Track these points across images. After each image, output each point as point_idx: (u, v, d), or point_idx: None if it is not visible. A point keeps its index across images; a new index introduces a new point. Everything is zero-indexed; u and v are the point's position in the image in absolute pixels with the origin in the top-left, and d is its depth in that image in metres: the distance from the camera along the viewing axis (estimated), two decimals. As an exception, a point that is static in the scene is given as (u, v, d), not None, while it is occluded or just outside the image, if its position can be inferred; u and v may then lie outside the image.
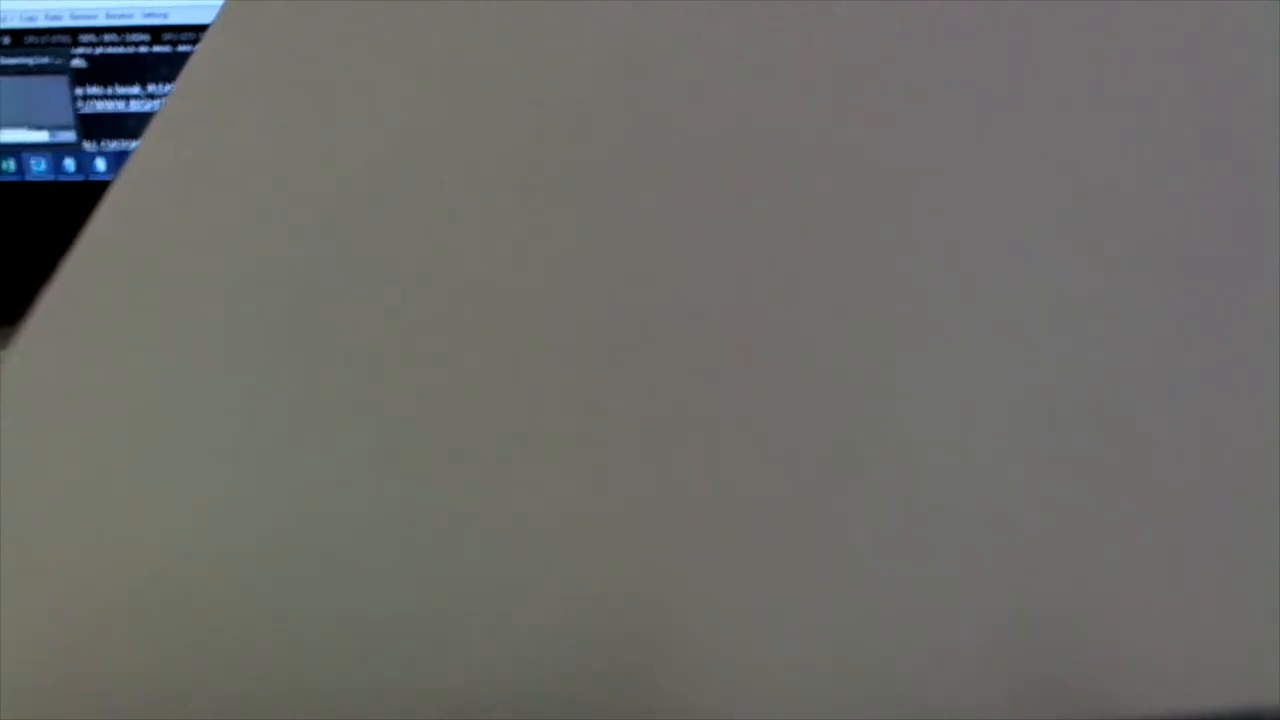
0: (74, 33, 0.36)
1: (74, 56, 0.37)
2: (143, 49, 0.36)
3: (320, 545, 0.11)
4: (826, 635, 0.11)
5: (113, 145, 0.37)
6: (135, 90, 0.37)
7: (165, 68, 0.36)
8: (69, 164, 0.37)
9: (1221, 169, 0.14)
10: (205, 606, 0.11)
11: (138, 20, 0.36)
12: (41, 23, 0.36)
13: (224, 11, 0.16)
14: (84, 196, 0.38)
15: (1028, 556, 0.12)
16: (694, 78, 0.15)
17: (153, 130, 0.15)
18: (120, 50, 0.36)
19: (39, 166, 0.38)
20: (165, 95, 0.37)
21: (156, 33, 0.36)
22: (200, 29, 0.36)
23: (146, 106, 0.37)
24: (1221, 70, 0.15)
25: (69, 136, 0.37)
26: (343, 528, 0.12)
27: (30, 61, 0.36)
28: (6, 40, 0.36)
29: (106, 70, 0.37)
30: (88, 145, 0.37)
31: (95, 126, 0.37)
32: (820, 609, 0.11)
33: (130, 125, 0.37)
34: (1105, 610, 0.11)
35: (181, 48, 0.36)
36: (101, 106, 0.37)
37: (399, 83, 0.16)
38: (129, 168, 0.15)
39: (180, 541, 0.11)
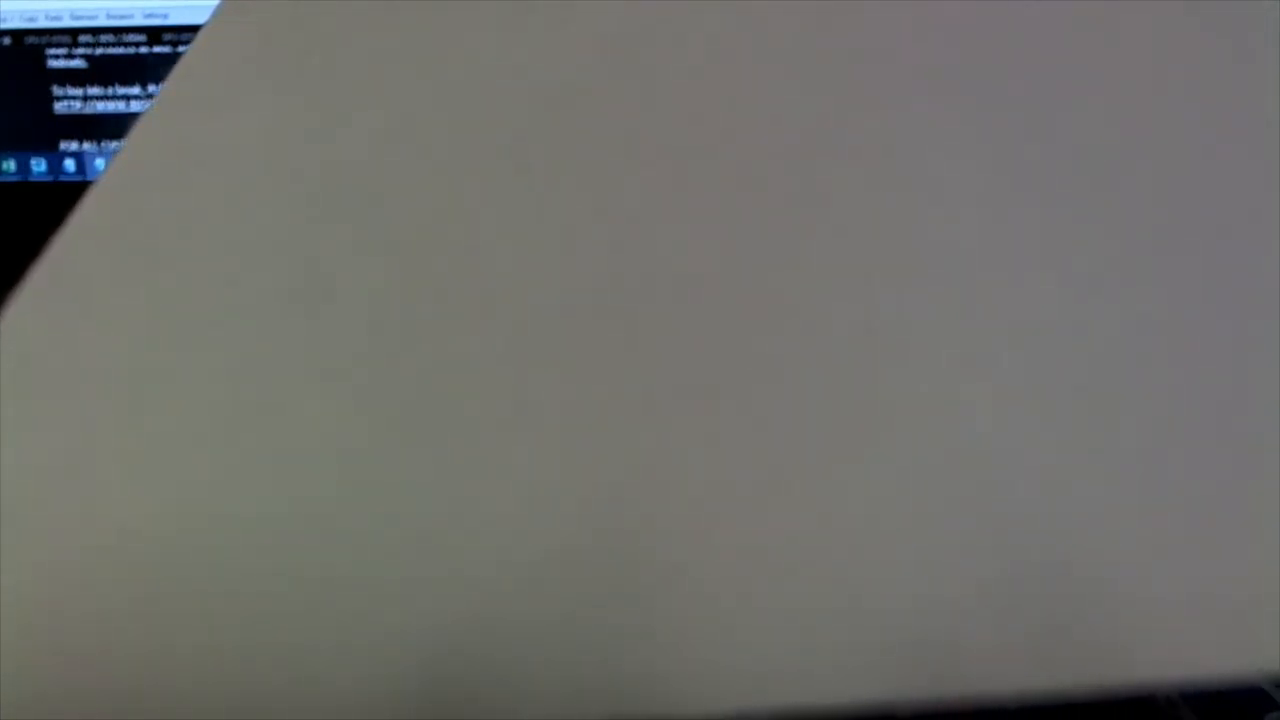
0: (74, 33, 0.36)
1: (74, 57, 0.37)
2: (143, 49, 0.36)
3: (313, 522, 0.11)
4: (830, 596, 0.11)
5: (113, 146, 0.37)
6: (135, 90, 0.37)
7: (165, 68, 0.36)
8: (69, 164, 0.37)
9: (1224, 160, 0.14)
10: (194, 584, 0.11)
11: (138, 21, 0.36)
12: (42, 23, 0.36)
13: (221, 7, 0.16)
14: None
15: (1031, 518, 0.12)
16: (692, 66, 0.15)
17: (148, 116, 0.15)
18: (120, 51, 0.36)
19: (39, 167, 0.38)
20: (165, 96, 0.37)
21: (156, 33, 0.36)
22: (200, 30, 0.36)
23: (147, 107, 0.37)
24: (1223, 67, 0.15)
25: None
26: (335, 504, 0.12)
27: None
28: (7, 40, 0.36)
29: (107, 70, 0.36)
30: (88, 146, 0.37)
31: (96, 127, 0.37)
32: (824, 569, 0.11)
33: (131, 126, 0.37)
34: (1106, 574, 0.11)
35: (182, 48, 0.36)
36: (102, 107, 0.37)
37: (390, 75, 0.16)
38: (123, 151, 0.15)
39: (169, 517, 0.11)
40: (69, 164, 0.38)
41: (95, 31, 0.36)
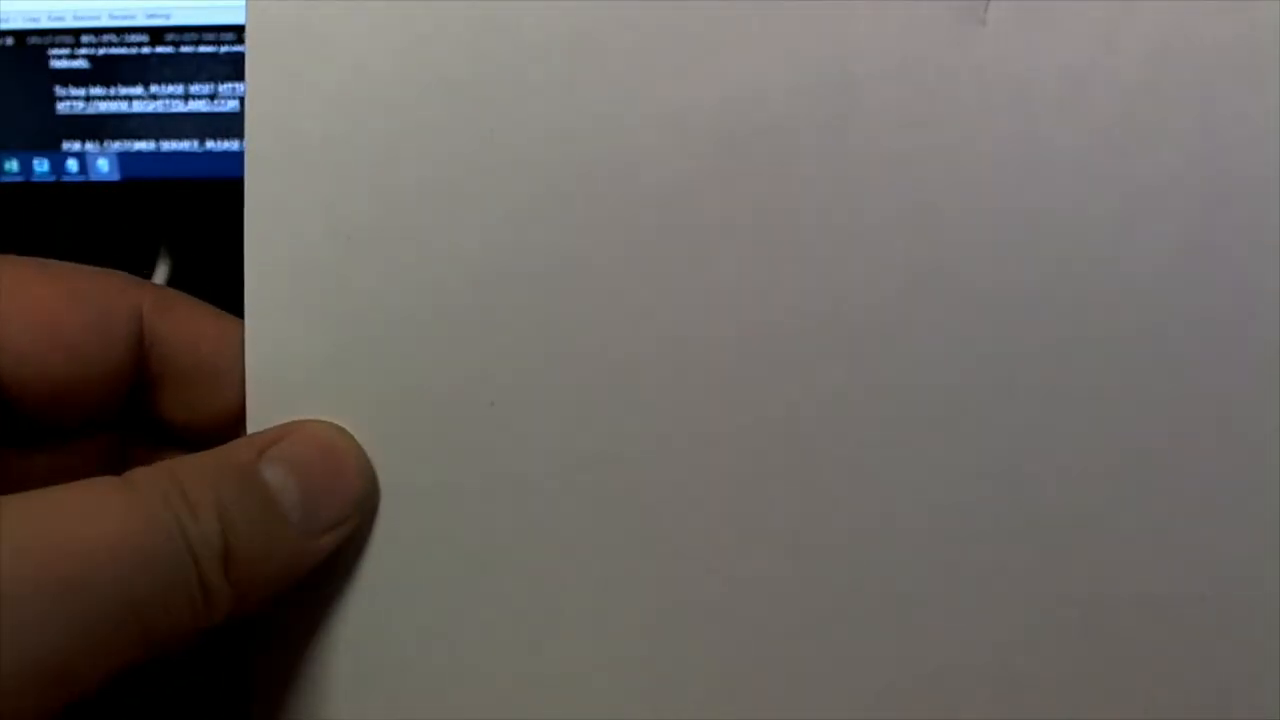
0: (77, 33, 0.36)
1: (77, 57, 0.37)
2: (145, 50, 0.36)
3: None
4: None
5: (115, 146, 0.37)
6: (138, 91, 0.37)
7: (168, 68, 0.37)
8: (72, 165, 0.37)
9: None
10: None
11: (140, 21, 0.36)
12: (45, 23, 0.36)
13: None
14: (87, 198, 0.38)
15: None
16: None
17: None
18: (123, 51, 0.36)
19: (42, 167, 0.38)
20: (168, 96, 0.37)
21: (159, 33, 0.36)
22: (202, 30, 0.36)
23: (149, 107, 0.37)
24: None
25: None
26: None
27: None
28: (10, 41, 0.36)
29: (109, 71, 0.37)
30: (91, 146, 0.37)
31: (99, 127, 0.37)
32: None
33: (132, 126, 0.37)
34: None
35: (184, 48, 0.36)
36: (105, 107, 0.37)
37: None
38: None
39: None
40: (71, 164, 0.38)
41: (98, 32, 0.36)
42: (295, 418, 0.15)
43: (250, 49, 0.15)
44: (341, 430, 0.15)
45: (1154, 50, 0.14)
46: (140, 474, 0.13)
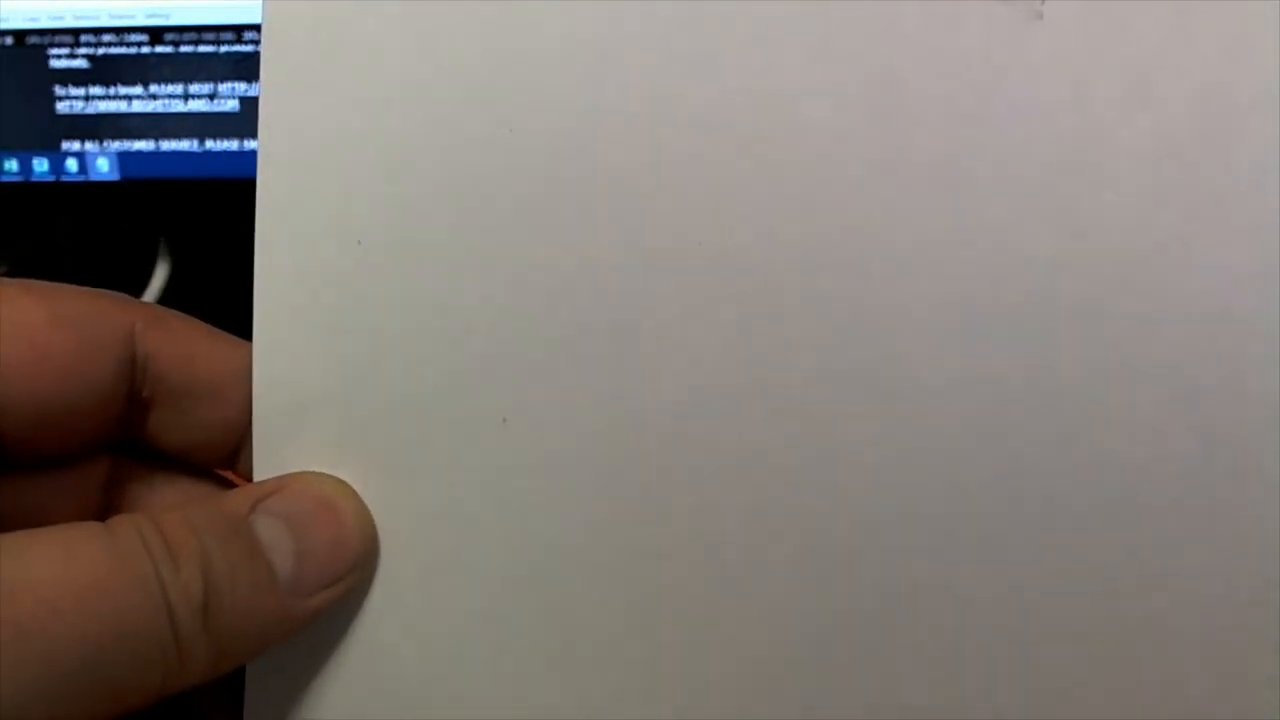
0: (76, 33, 0.36)
1: (76, 57, 0.37)
2: (145, 49, 0.36)
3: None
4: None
5: (115, 146, 0.37)
6: (137, 90, 0.37)
7: (167, 68, 0.36)
8: (71, 164, 0.37)
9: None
10: None
11: (139, 21, 0.36)
12: (44, 23, 0.36)
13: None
14: (87, 197, 0.38)
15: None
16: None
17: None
18: (122, 50, 0.36)
19: (41, 167, 0.38)
20: (167, 96, 0.37)
21: (158, 33, 0.36)
22: (202, 29, 0.36)
23: (149, 107, 0.37)
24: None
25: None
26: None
27: (33, 62, 0.36)
28: (10, 40, 0.36)
29: (109, 70, 0.37)
30: (90, 146, 0.37)
31: (98, 127, 0.37)
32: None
33: (132, 125, 0.37)
34: None
35: (184, 48, 0.36)
36: (104, 106, 0.37)
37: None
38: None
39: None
40: (71, 164, 0.38)
41: (97, 31, 0.36)
42: (304, 433, 0.15)
43: (265, 48, 0.14)
44: (344, 486, 0.14)
45: (1232, 43, 0.13)
46: (122, 519, 0.12)
